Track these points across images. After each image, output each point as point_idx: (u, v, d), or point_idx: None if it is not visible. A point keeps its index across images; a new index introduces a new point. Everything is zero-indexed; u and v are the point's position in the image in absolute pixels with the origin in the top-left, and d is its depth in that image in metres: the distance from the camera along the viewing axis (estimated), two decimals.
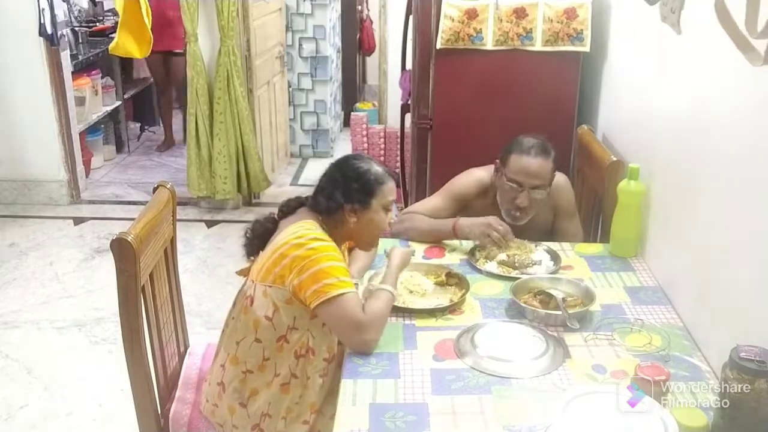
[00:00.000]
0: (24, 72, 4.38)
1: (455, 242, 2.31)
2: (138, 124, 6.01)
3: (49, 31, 4.24)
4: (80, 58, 4.84)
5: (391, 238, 2.30)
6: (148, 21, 4.15)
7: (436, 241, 2.30)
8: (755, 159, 1.53)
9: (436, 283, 2.03)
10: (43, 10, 4.18)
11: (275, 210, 1.92)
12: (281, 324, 1.76)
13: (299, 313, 1.75)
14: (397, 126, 4.15)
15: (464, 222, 2.25)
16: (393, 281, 1.84)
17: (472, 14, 2.82)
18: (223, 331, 1.91)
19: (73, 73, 4.68)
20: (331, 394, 1.81)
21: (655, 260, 2.13)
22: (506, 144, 2.32)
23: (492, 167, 2.36)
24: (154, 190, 2.01)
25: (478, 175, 2.41)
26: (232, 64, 4.21)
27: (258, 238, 1.86)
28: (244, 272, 1.90)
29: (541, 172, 2.24)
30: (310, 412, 1.80)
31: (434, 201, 2.41)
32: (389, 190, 1.83)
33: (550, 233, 2.42)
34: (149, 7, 4.22)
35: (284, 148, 5.38)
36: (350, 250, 2.10)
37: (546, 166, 2.25)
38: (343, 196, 1.80)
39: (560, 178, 2.39)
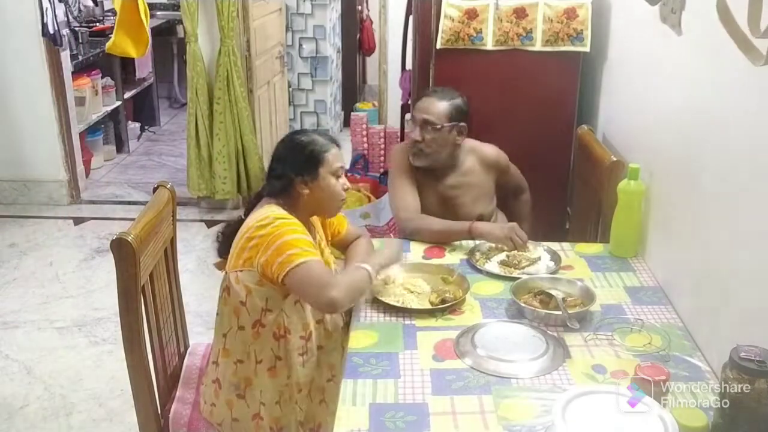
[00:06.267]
0: (24, 72, 4.37)
1: (455, 242, 2.31)
2: (138, 124, 6.00)
3: (52, 31, 4.23)
4: (80, 58, 4.83)
5: (403, 238, 2.32)
6: (146, 20, 4.13)
7: (447, 241, 2.30)
8: (755, 159, 1.52)
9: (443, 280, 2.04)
10: (46, 9, 4.17)
11: None
12: (255, 307, 1.79)
13: (271, 293, 1.78)
14: (397, 126, 4.15)
15: (482, 226, 2.29)
16: (374, 264, 1.86)
17: (472, 14, 2.82)
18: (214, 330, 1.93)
19: (73, 73, 4.68)
20: (331, 382, 1.83)
21: (655, 260, 2.13)
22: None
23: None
24: (154, 190, 2.02)
25: (400, 145, 2.66)
26: (232, 64, 4.20)
27: (228, 239, 1.89)
28: (220, 265, 1.94)
29: (431, 108, 2.39)
30: (296, 392, 1.82)
31: (401, 192, 2.45)
32: (334, 157, 1.88)
33: (502, 192, 2.63)
34: (147, 7, 4.21)
35: None
36: (345, 250, 2.12)
37: (437, 105, 2.40)
38: (291, 171, 1.85)
39: (475, 142, 2.56)
